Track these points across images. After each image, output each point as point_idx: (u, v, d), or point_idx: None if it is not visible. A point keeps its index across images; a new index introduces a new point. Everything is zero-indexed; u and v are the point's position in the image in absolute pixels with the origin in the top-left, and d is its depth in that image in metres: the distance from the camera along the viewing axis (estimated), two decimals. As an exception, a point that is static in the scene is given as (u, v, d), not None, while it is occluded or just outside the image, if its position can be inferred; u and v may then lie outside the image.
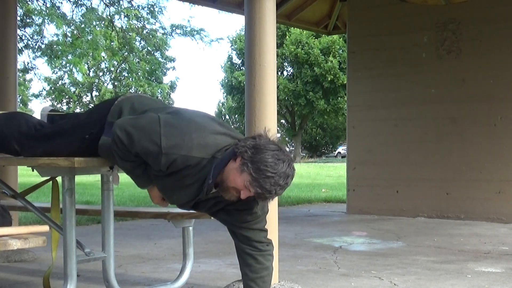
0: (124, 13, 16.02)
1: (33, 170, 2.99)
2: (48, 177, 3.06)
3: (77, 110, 42.18)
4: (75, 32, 15.44)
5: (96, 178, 12.03)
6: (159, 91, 43.01)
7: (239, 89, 39.59)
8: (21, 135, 2.98)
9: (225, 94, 46.09)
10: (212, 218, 3.26)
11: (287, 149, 2.57)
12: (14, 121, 3.03)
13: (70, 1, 15.14)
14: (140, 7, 16.66)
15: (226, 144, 2.55)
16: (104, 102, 2.99)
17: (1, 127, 3.03)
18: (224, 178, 2.51)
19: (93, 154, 2.81)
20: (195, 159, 2.50)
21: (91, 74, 41.04)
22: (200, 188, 2.57)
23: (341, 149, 47.72)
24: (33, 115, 3.26)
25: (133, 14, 16.10)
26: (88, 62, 30.94)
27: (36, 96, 39.66)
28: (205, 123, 2.60)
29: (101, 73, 42.98)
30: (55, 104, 40.35)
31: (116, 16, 16.58)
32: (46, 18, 14.45)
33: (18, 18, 12.47)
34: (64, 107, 44.01)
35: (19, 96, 19.55)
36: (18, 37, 13.08)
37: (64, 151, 2.83)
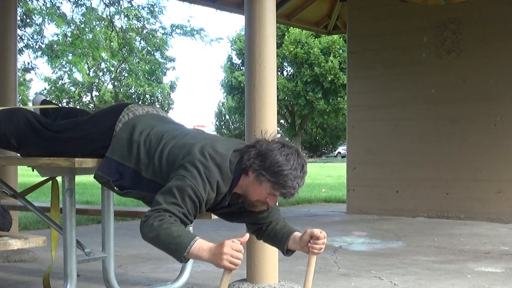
0: (124, 13, 16.01)
1: (33, 170, 2.99)
2: (48, 177, 3.06)
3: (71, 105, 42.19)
4: (75, 32, 15.43)
5: (96, 178, 11.96)
6: (159, 91, 43.07)
7: (239, 89, 39.54)
8: (19, 133, 2.98)
9: (225, 94, 46.05)
10: (212, 218, 3.26)
11: (288, 141, 2.55)
12: (13, 118, 3.02)
13: (70, 1, 15.14)
14: (140, 7, 16.66)
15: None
16: (106, 114, 2.89)
17: (0, 125, 3.03)
18: (244, 194, 2.50)
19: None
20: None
21: (91, 74, 41.02)
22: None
23: (341, 149, 47.69)
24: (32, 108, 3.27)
25: (133, 14, 16.09)
26: (88, 62, 30.92)
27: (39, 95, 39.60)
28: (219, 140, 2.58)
29: (101, 73, 42.97)
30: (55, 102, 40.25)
31: (116, 16, 16.57)
32: (46, 17, 14.45)
33: (18, 18, 12.46)
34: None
35: (19, 96, 19.57)
36: (18, 37, 13.06)
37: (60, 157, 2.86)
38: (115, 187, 2.67)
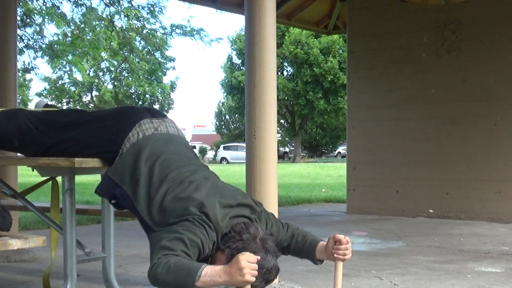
0: (124, 13, 16.01)
1: (33, 170, 2.99)
2: (48, 177, 3.07)
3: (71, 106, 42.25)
4: (75, 32, 15.44)
5: (96, 178, 12.02)
6: (159, 91, 43.10)
7: (239, 89, 39.57)
8: (21, 134, 2.98)
9: (225, 94, 46.08)
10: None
11: (273, 246, 2.48)
12: (14, 119, 3.02)
13: (70, 1, 15.13)
14: (140, 7, 16.65)
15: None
16: (113, 122, 2.84)
17: (1, 125, 3.03)
18: (212, 260, 2.48)
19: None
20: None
21: (91, 74, 41.04)
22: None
23: (341, 149, 47.70)
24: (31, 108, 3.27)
25: (133, 14, 16.09)
26: (88, 62, 30.92)
27: (39, 95, 39.66)
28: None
29: (101, 73, 42.99)
30: (54, 103, 40.30)
31: (116, 16, 16.57)
32: (46, 17, 14.44)
33: (18, 18, 12.46)
34: (64, 107, 43.98)
35: (19, 96, 19.57)
36: (18, 37, 13.07)
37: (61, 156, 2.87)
38: (113, 205, 2.72)
